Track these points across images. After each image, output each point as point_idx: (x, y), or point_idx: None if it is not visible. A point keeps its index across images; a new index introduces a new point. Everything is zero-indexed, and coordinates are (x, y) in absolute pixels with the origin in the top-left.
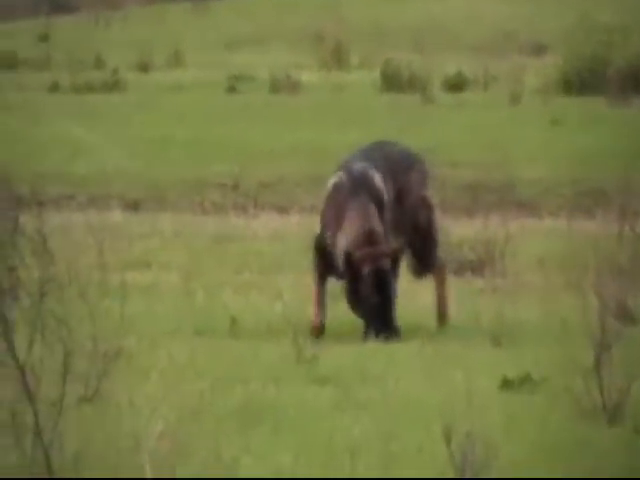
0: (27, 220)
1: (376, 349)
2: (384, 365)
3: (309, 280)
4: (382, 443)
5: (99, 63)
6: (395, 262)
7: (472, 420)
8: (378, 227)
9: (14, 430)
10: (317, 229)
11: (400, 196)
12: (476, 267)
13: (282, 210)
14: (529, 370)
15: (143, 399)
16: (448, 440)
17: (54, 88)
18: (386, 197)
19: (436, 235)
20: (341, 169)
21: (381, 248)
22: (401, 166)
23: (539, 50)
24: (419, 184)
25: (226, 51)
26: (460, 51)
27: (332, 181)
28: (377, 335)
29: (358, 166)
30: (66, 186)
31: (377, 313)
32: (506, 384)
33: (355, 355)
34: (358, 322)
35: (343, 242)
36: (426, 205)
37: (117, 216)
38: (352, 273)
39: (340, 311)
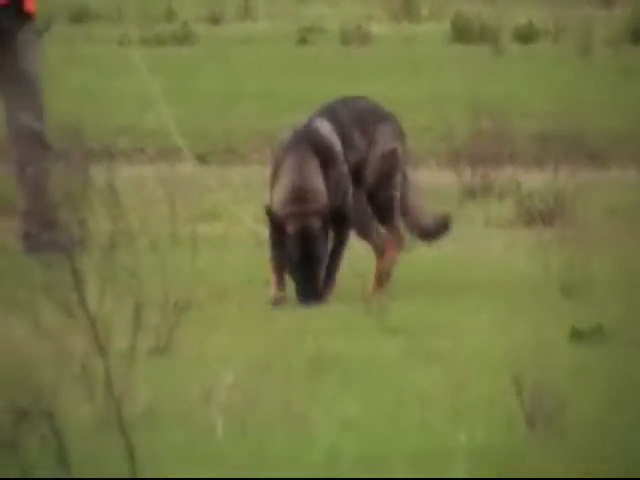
0: (98, 173)
1: (446, 299)
2: (454, 315)
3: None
4: (452, 393)
5: (170, 16)
6: (326, 222)
7: (542, 371)
8: (312, 182)
9: (85, 383)
10: None
11: (368, 148)
12: (546, 218)
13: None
14: (599, 321)
15: (214, 351)
16: (519, 390)
17: (124, 41)
18: (337, 148)
19: (393, 191)
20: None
21: (308, 206)
22: (369, 119)
23: (608, 2)
24: (387, 137)
25: (297, 3)
26: (530, 2)
27: (280, 138)
28: (299, 299)
29: (305, 119)
30: (137, 139)
31: (300, 276)
32: (576, 335)
33: (424, 306)
34: (427, 272)
35: (274, 200)
36: (394, 158)
37: (187, 168)
38: (276, 233)
39: (408, 261)
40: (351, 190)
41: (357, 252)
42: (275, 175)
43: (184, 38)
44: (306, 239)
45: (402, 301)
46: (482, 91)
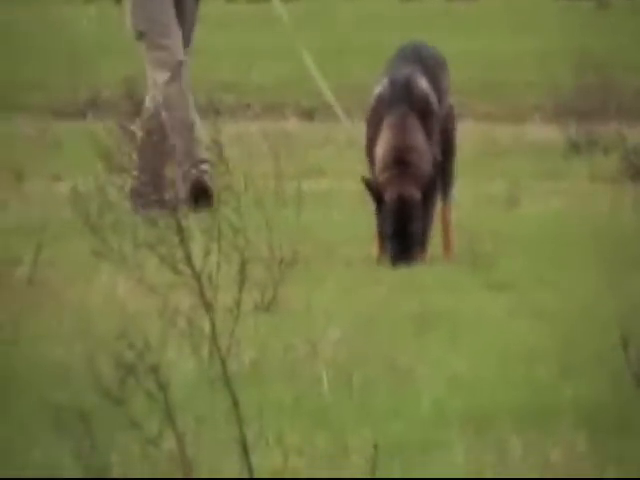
0: (204, 129)
1: (552, 255)
2: (560, 271)
3: (485, 186)
4: (559, 350)
5: None
6: (429, 188)
7: None
8: (415, 142)
9: (191, 338)
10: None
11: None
12: None
13: (457, 117)
14: None
15: (320, 306)
16: (625, 347)
17: None
18: (435, 104)
19: (455, 156)
20: (385, 75)
21: (408, 173)
22: (441, 67)
23: None
24: (447, 89)
25: None
26: None
27: (375, 91)
28: (391, 260)
29: (402, 71)
30: (242, 95)
31: (395, 244)
32: None
33: (531, 262)
34: (533, 228)
35: (375, 161)
36: (452, 115)
37: (292, 124)
38: (375, 199)
39: (514, 217)
40: (438, 148)
41: (462, 206)
42: (375, 134)
43: None
44: (403, 210)
45: (508, 257)
46: (587, 46)
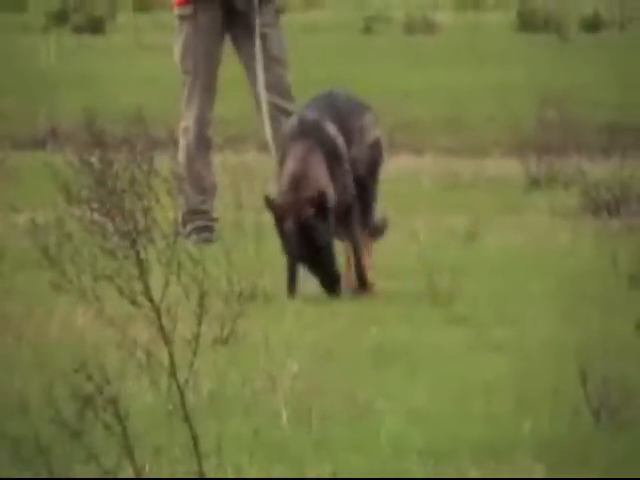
0: (163, 161)
1: (512, 290)
2: (520, 306)
3: (445, 220)
4: (517, 384)
5: None
6: (324, 210)
7: (608, 362)
8: (314, 172)
9: (150, 370)
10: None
11: (353, 140)
12: (612, 208)
13: (417, 151)
14: None
15: (278, 339)
16: (584, 381)
17: None
18: (342, 148)
19: (377, 183)
20: (295, 116)
21: (303, 195)
22: (357, 110)
23: None
24: (372, 127)
25: None
26: None
27: (284, 129)
28: (326, 291)
29: (312, 113)
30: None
31: (312, 269)
32: None
33: (491, 295)
34: (492, 262)
35: (277, 190)
36: (378, 148)
37: (251, 157)
38: (276, 224)
39: (477, 250)
40: (353, 189)
41: (421, 241)
42: (280, 165)
43: None
44: (302, 229)
45: (468, 291)
46: (548, 81)
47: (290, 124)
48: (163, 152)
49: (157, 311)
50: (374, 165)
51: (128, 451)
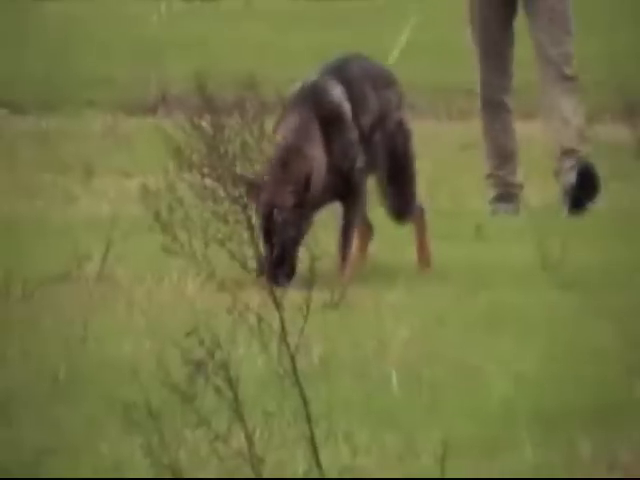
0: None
1: (622, 255)
2: (630, 270)
3: (552, 187)
4: (627, 350)
5: None
6: (304, 199)
7: None
8: (302, 145)
9: (261, 335)
10: None
11: (378, 119)
12: None
13: (528, 116)
14: None
15: (389, 305)
16: None
17: None
18: (346, 114)
19: (414, 167)
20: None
21: (285, 176)
22: (380, 81)
23: None
24: (396, 105)
25: None
26: None
27: (288, 94)
28: (266, 279)
29: (315, 76)
30: None
31: (266, 253)
32: None
33: (600, 260)
34: (602, 225)
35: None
36: (403, 130)
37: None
38: (252, 199)
39: (587, 215)
40: (362, 159)
41: (531, 206)
42: (273, 132)
43: None
44: (271, 215)
45: (578, 256)
46: None
47: (292, 89)
48: (274, 116)
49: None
50: (400, 146)
51: (239, 416)
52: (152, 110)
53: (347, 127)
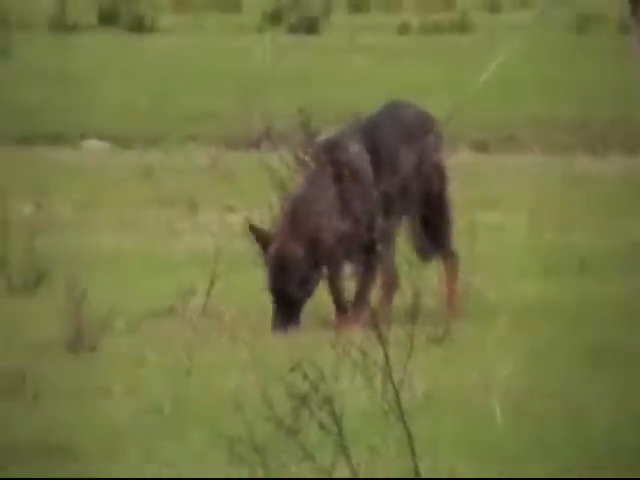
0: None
1: None
2: None
3: None
4: None
5: (448, 4)
6: (314, 252)
7: None
8: (315, 205)
9: (364, 370)
10: None
11: (412, 170)
12: None
13: (632, 150)
14: None
15: (493, 339)
16: None
17: (403, 29)
18: (364, 173)
19: (450, 210)
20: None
21: (295, 230)
22: (416, 132)
23: None
24: (434, 148)
25: None
26: None
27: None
28: (271, 327)
29: (334, 136)
30: None
31: (273, 302)
32: None
33: None
34: None
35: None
36: (439, 173)
37: (466, 156)
38: (261, 249)
39: None
40: (379, 218)
41: (636, 240)
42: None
43: (462, 26)
44: (280, 265)
45: None
46: None
47: (316, 144)
48: None
49: (372, 310)
50: (435, 189)
51: (343, 450)
52: (256, 145)
53: (364, 187)
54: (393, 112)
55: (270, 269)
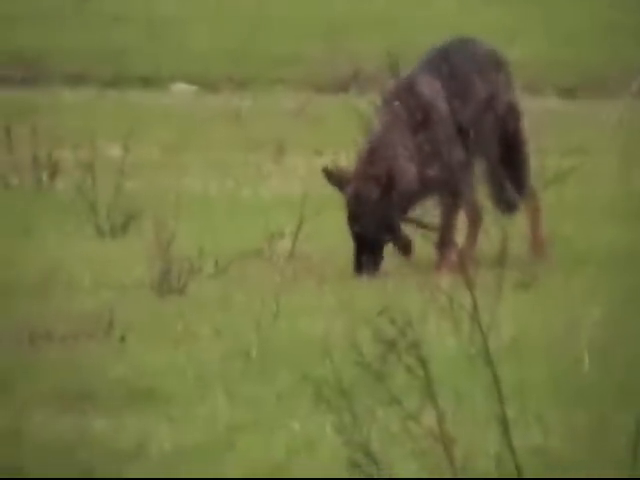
0: None
1: None
2: None
3: None
4: None
5: None
6: (389, 191)
7: None
8: (388, 146)
9: (451, 315)
10: None
11: (486, 104)
12: None
13: None
14: None
15: (581, 286)
16: None
17: None
18: (439, 109)
19: (527, 150)
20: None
21: (368, 170)
22: (487, 66)
23: None
24: (505, 88)
25: None
26: None
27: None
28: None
29: (412, 72)
30: None
31: (354, 243)
32: None
33: None
34: None
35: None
36: (513, 113)
37: (553, 102)
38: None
39: None
40: (459, 153)
41: None
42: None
43: None
44: (356, 206)
45: None
46: None
47: (390, 85)
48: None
49: (460, 255)
50: (510, 129)
51: (430, 395)
52: (343, 88)
53: (440, 124)
54: (463, 46)
55: (348, 210)
